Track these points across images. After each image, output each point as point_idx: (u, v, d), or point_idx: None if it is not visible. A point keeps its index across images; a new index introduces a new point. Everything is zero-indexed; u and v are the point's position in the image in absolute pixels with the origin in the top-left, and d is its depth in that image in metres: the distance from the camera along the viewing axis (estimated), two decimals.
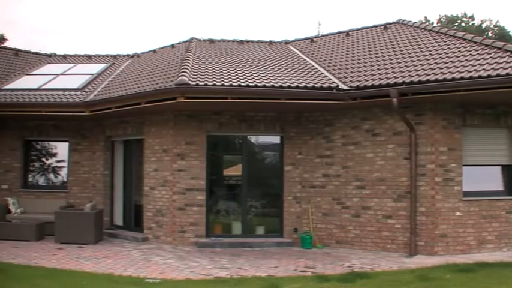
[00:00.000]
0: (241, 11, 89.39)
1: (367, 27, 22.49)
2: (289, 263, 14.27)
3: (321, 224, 17.29)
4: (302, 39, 23.76)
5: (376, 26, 22.24)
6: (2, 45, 35.59)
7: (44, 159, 21.86)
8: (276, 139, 18.11)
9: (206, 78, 15.90)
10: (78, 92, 19.67)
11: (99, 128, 20.26)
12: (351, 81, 16.29)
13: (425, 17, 60.66)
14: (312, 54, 20.53)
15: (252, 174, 18.02)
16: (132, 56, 25.84)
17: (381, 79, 15.57)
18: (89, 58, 26.37)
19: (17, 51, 26.50)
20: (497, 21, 59.18)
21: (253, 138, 18.32)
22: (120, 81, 19.86)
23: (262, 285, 11.16)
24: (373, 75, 16.23)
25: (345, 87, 15.91)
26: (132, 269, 13.29)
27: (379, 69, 16.59)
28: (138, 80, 18.71)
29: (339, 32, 23.08)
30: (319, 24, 60.19)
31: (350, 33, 22.43)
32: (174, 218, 17.37)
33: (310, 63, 18.79)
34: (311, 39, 23.19)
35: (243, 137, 18.07)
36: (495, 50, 15.38)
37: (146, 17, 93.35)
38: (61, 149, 21.34)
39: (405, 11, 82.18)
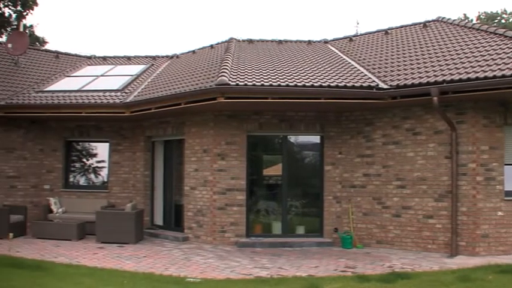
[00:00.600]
0: (279, 10, 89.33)
1: (406, 26, 22.29)
2: (329, 263, 14.20)
3: (361, 224, 17.19)
4: (341, 38, 23.63)
5: (415, 24, 22.03)
6: (43, 47, 35.97)
7: (84, 160, 22.08)
8: (315, 139, 18.05)
9: (246, 79, 15.92)
10: (118, 93, 19.82)
11: (139, 128, 20.38)
12: (390, 80, 16.16)
13: (465, 14, 59.96)
14: (351, 53, 20.42)
15: (292, 174, 17.97)
16: (171, 57, 25.94)
17: (421, 78, 15.42)
18: (128, 59, 26.55)
19: (57, 54, 26.81)
20: None
21: (292, 138, 18.26)
22: (159, 82, 19.96)
23: (302, 285, 11.09)
24: (413, 73, 16.09)
25: (385, 86, 15.79)
26: (172, 269, 13.34)
27: (419, 68, 16.43)
28: (177, 80, 18.79)
29: (378, 31, 22.90)
30: (357, 23, 59.89)
31: (389, 31, 22.25)
32: (214, 218, 17.42)
33: (349, 62, 18.68)
34: (350, 38, 23.06)
35: (283, 137, 18.04)
36: None
37: (185, 17, 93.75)
38: (101, 149, 21.53)
39: (444, 8, 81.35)
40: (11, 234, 15.74)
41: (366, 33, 23.40)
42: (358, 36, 23.61)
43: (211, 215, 17.44)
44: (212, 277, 12.33)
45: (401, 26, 22.46)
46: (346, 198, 17.50)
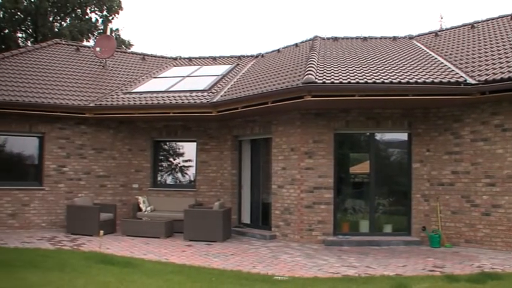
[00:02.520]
0: (362, 7, 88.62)
1: (493, 18, 21.76)
2: (417, 262, 14.00)
3: (450, 223, 16.89)
4: (426, 34, 23.29)
5: (502, 17, 21.48)
6: (129, 50, 36.72)
7: (171, 159, 22.46)
8: (403, 136, 17.85)
9: (332, 76, 15.90)
10: (205, 93, 20.05)
11: (226, 128, 20.59)
12: (478, 75, 15.81)
13: None
14: (437, 48, 20.09)
15: (379, 171, 17.84)
16: (256, 56, 26.07)
17: (510, 72, 15.02)
18: (213, 60, 26.83)
19: (143, 56, 27.35)
20: None
21: (379, 136, 18.09)
22: (245, 81, 20.10)
23: (390, 285, 10.98)
24: (501, 68, 15.67)
25: (473, 82, 15.46)
26: (260, 267, 13.42)
27: (508, 62, 15.99)
28: (263, 80, 18.88)
29: (464, 25, 22.45)
30: (441, 18, 58.74)
31: (475, 25, 21.77)
32: (301, 216, 17.44)
33: (435, 58, 18.38)
34: (435, 33, 22.69)
35: (369, 135, 17.92)
36: None
37: (269, 16, 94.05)
38: (188, 148, 21.86)
39: None
40: (101, 232, 16.14)
41: (451, 28, 22.98)
42: (443, 31, 23.22)
43: (299, 213, 17.46)
44: (299, 275, 12.35)
45: (488, 19, 21.94)
46: (434, 196, 17.22)
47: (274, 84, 17.08)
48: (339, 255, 15.06)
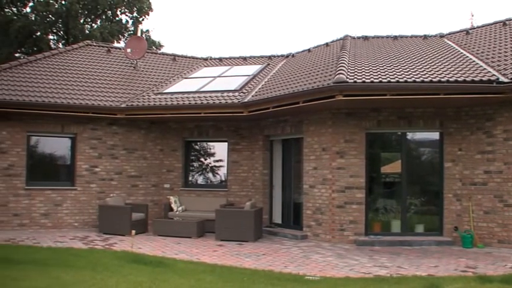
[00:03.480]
0: (392, 5, 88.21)
1: None
2: (449, 262, 13.91)
3: (482, 223, 16.73)
4: (457, 32, 23.10)
5: None
6: (160, 51, 36.94)
7: (202, 159, 22.57)
8: (434, 135, 17.74)
9: (363, 76, 15.87)
10: (236, 93, 20.10)
11: (257, 127, 20.64)
12: (511, 73, 15.68)
13: None
14: (468, 46, 19.92)
15: (411, 171, 17.74)
16: (287, 56, 26.06)
17: None
18: (244, 60, 26.88)
19: (174, 56, 27.50)
20: None
21: (410, 135, 18.00)
22: (276, 81, 20.12)
23: (422, 285, 10.93)
24: None
25: (506, 80, 15.29)
26: (291, 266, 13.44)
27: None
28: (294, 79, 18.90)
29: (495, 22, 22.22)
30: (472, 15, 58.35)
31: (507, 22, 21.53)
32: (333, 216, 17.43)
33: (467, 56, 18.23)
34: (466, 32, 22.50)
35: (401, 134, 17.84)
36: None
37: (299, 16, 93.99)
38: (219, 148, 21.96)
39: None
40: (133, 231, 16.27)
41: (482, 26, 22.78)
42: (474, 28, 23.03)
43: (330, 213, 17.45)
44: (331, 275, 12.35)
45: None
46: (467, 196, 17.08)
47: (305, 84, 17.09)
48: (370, 255, 15.02)
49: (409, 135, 18.00)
